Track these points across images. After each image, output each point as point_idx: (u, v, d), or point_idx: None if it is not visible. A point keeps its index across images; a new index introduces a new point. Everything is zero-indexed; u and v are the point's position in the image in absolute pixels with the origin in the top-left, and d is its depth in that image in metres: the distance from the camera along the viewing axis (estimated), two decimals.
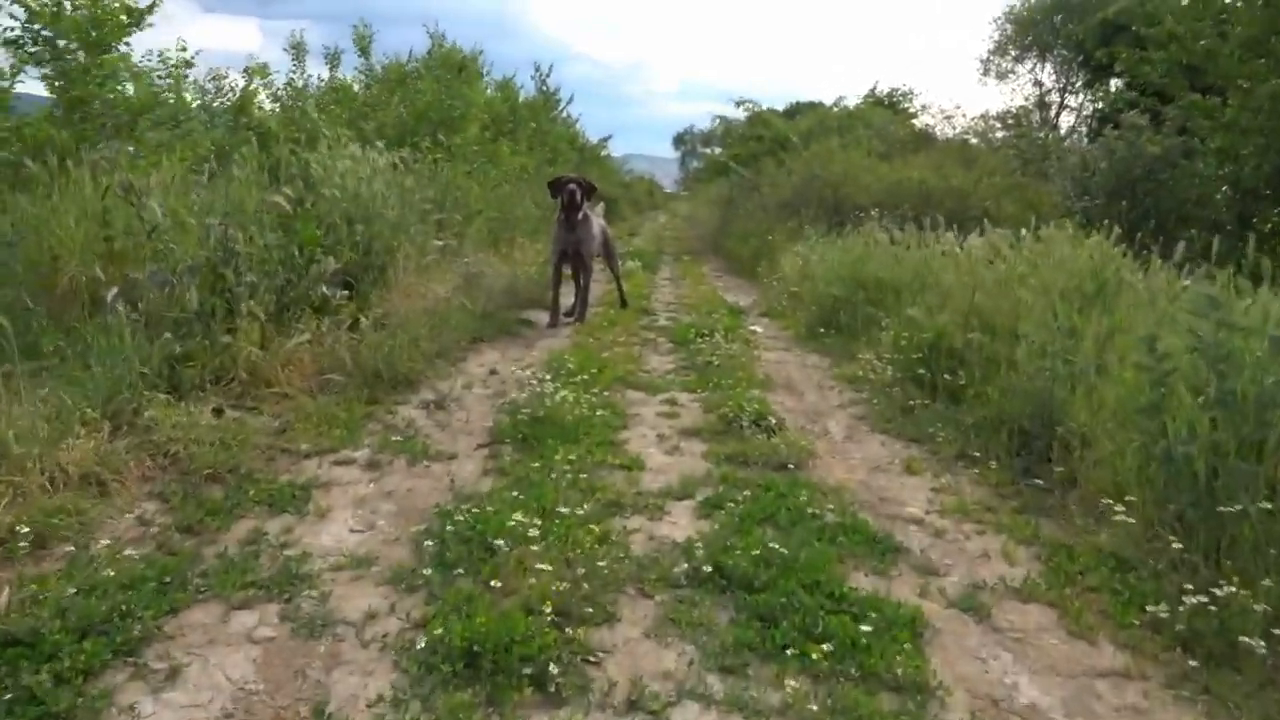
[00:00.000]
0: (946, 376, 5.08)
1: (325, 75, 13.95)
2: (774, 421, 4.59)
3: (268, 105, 13.06)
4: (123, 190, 4.81)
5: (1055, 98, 34.74)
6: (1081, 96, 34.12)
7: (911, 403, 5.06)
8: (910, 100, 26.22)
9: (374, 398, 4.64)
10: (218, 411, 3.98)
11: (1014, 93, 40.49)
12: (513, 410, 4.47)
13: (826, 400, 5.62)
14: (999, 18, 34.99)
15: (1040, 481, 3.97)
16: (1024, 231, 6.27)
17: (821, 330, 7.54)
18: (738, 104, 19.22)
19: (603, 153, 28.77)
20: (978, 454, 4.31)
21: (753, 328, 8.15)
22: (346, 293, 5.71)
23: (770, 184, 15.30)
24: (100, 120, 7.84)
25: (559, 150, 19.03)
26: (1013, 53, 34.81)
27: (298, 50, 13.37)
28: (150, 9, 8.32)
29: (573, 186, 7.79)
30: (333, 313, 5.34)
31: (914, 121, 25.17)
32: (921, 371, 5.27)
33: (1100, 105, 32.45)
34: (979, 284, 5.65)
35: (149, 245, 4.76)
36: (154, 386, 3.75)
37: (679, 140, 61.08)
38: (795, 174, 14.53)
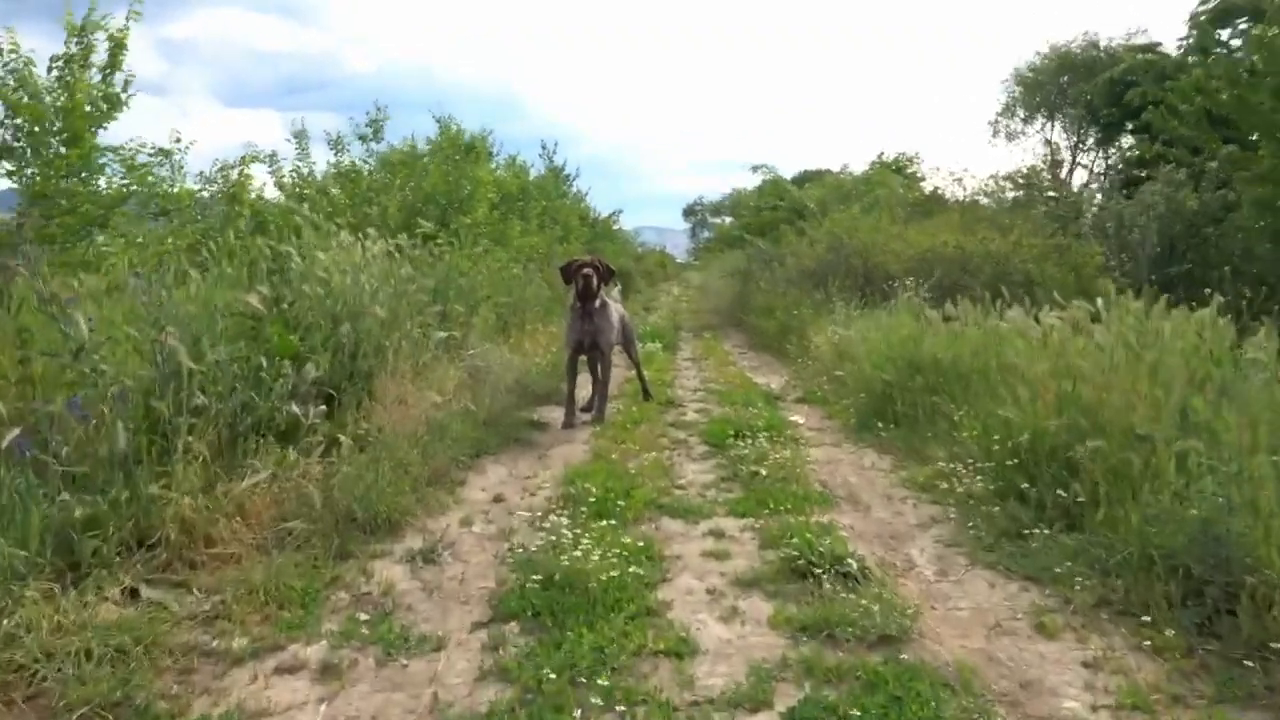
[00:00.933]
0: (1060, 493, 4.02)
1: (332, 160, 13.39)
2: (855, 565, 3.53)
3: (271, 194, 12.47)
4: (41, 301, 3.91)
5: (1066, 156, 34.29)
6: (1094, 154, 33.67)
7: (1020, 529, 4.00)
8: (917, 164, 25.62)
9: (346, 550, 3.62)
10: (132, 593, 2.98)
11: (1025, 153, 39.97)
12: (522, 564, 3.44)
13: (901, 516, 4.57)
14: (1006, 79, 34.73)
15: (1227, 648, 2.91)
16: (1100, 303, 5.32)
17: (876, 422, 6.52)
18: (754, 169, 18.51)
19: (614, 226, 28.23)
20: (1128, 604, 3.26)
21: (794, 418, 7.13)
22: (324, 408, 4.75)
23: (792, 254, 14.45)
24: (61, 215, 7.08)
25: (570, 227, 18.33)
26: (1021, 113, 34.52)
27: (299, 137, 12.82)
28: (125, 97, 7.64)
29: (588, 271, 6.85)
30: (304, 436, 4.37)
31: (922, 185, 24.58)
32: (1024, 485, 4.22)
33: (1113, 163, 31.96)
34: (1075, 371, 4.65)
35: (73, 368, 3.83)
36: (36, 570, 2.76)
37: (689, 211, 61.08)
38: (819, 243, 13.68)
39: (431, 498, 4.38)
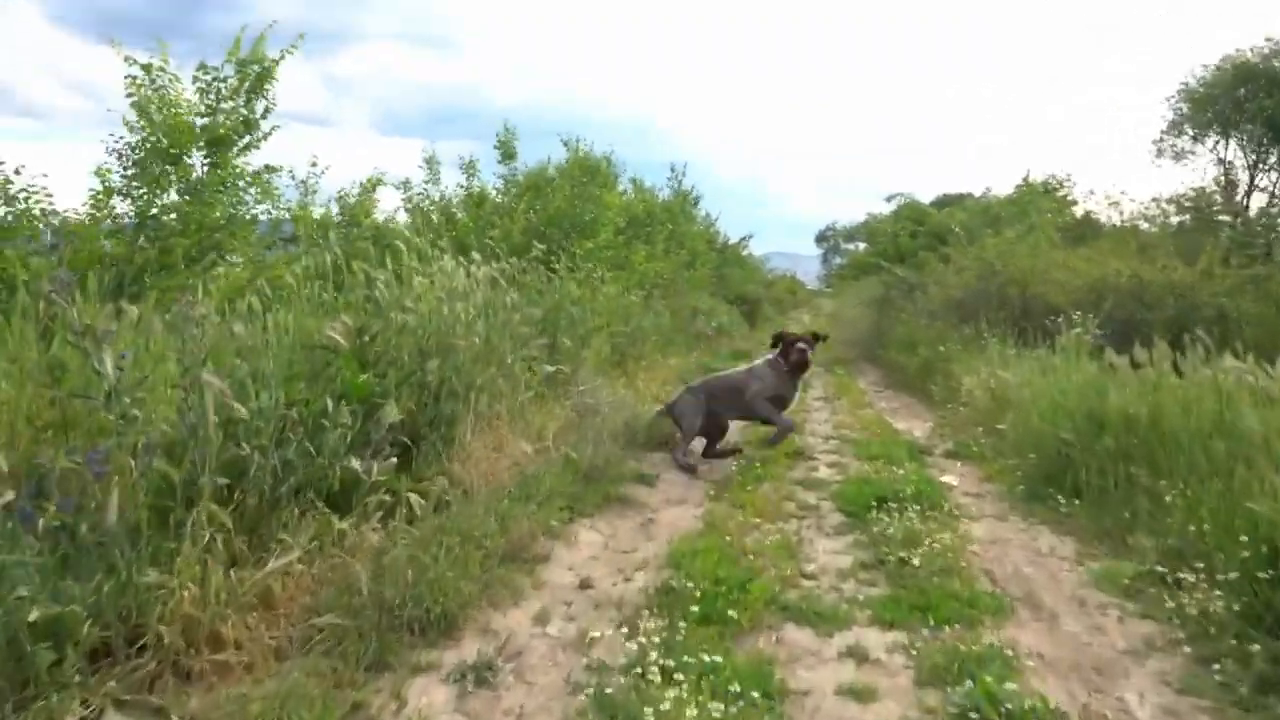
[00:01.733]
0: None
1: (463, 184, 13.13)
2: None
3: (402, 218, 12.30)
4: (75, 335, 3.36)
5: (1243, 176, 30.97)
6: (1276, 174, 30.29)
7: None
8: (1068, 187, 23.41)
9: (383, 658, 2.85)
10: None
11: (1194, 173, 36.40)
12: (596, 704, 2.58)
13: (1103, 635, 3.44)
14: (1174, 95, 31.84)
15: None
16: None
17: (1049, 491, 5.33)
18: (889, 199, 17.14)
19: (743, 251, 27.29)
20: None
21: (946, 479, 6.00)
22: (394, 460, 4.05)
23: (935, 282, 13.12)
24: (171, 237, 6.78)
25: (697, 251, 17.53)
26: (1190, 131, 31.44)
27: (430, 163, 12.64)
28: (262, 123, 7.40)
29: (802, 347, 6.50)
30: (365, 496, 3.67)
31: (1074, 209, 22.39)
32: None
33: None
34: None
35: (103, 412, 3.25)
36: None
37: (821, 237, 59.38)
38: (966, 270, 12.30)
39: (504, 581, 3.57)
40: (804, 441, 7.20)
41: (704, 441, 6.59)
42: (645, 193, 19.12)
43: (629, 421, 6.59)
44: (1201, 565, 3.58)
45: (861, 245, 47.21)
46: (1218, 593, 3.32)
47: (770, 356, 6.67)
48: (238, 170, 7.38)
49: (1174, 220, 24.09)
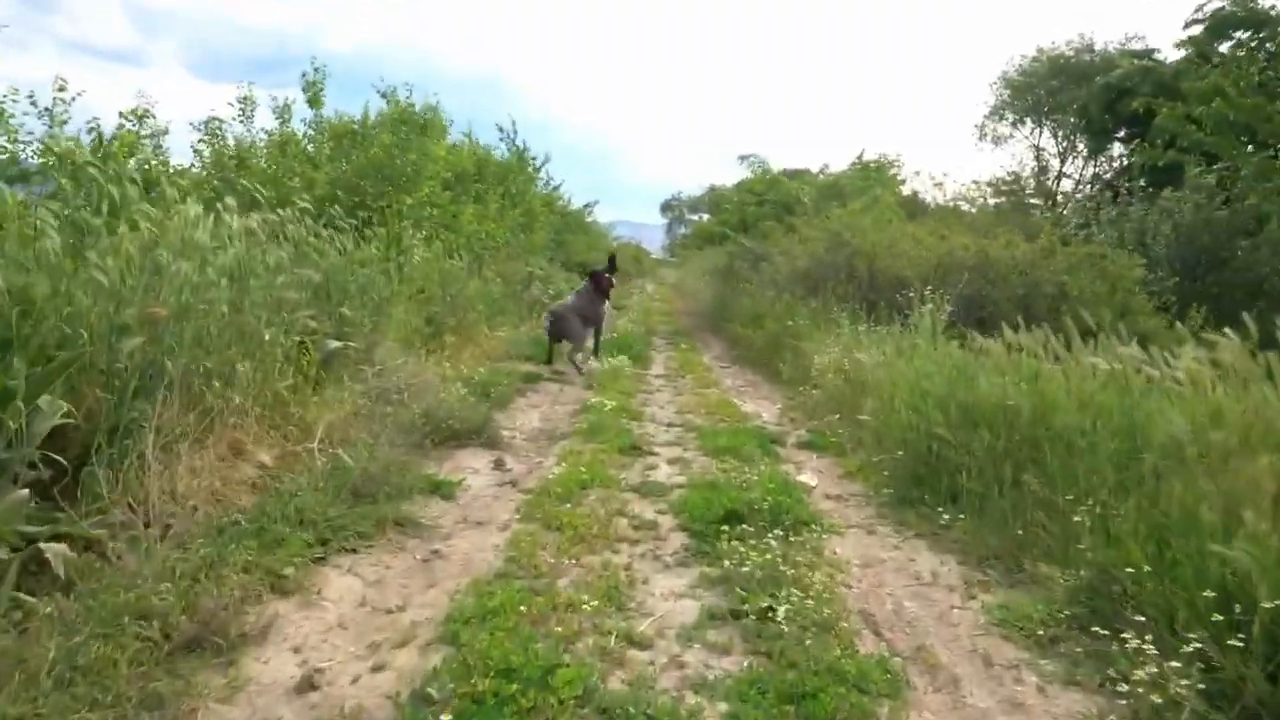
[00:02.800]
0: None
1: (274, 130, 11.17)
2: None
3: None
4: None
5: (1054, 163, 32.63)
6: (1083, 162, 32.02)
7: None
8: (898, 167, 23.65)
9: None
10: None
11: (1012, 159, 38.13)
12: None
13: (1024, 712, 2.56)
14: (995, 81, 33.05)
15: None
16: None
17: (922, 495, 4.52)
18: (742, 159, 16.30)
19: (588, 218, 26.10)
20: None
21: (803, 478, 5.10)
22: (28, 490, 2.63)
23: (781, 253, 12.42)
24: None
25: (535, 213, 16.16)
26: (1010, 117, 32.79)
27: (245, 103, 10.63)
28: None
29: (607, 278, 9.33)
30: None
31: (901, 188, 22.65)
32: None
33: (1101, 171, 30.31)
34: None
35: None
36: None
37: (666, 207, 59.06)
38: (813, 241, 11.63)
39: (173, 693, 2.25)
40: (642, 430, 6.15)
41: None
42: (479, 148, 17.55)
43: (430, 410, 5.30)
44: (1140, 617, 2.75)
45: (705, 216, 47.12)
46: (1174, 664, 2.47)
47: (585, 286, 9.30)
48: None
49: (991, 202, 24.92)
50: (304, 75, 11.25)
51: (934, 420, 4.76)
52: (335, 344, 5.61)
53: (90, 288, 3.51)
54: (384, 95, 12.63)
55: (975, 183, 24.86)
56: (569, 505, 4.13)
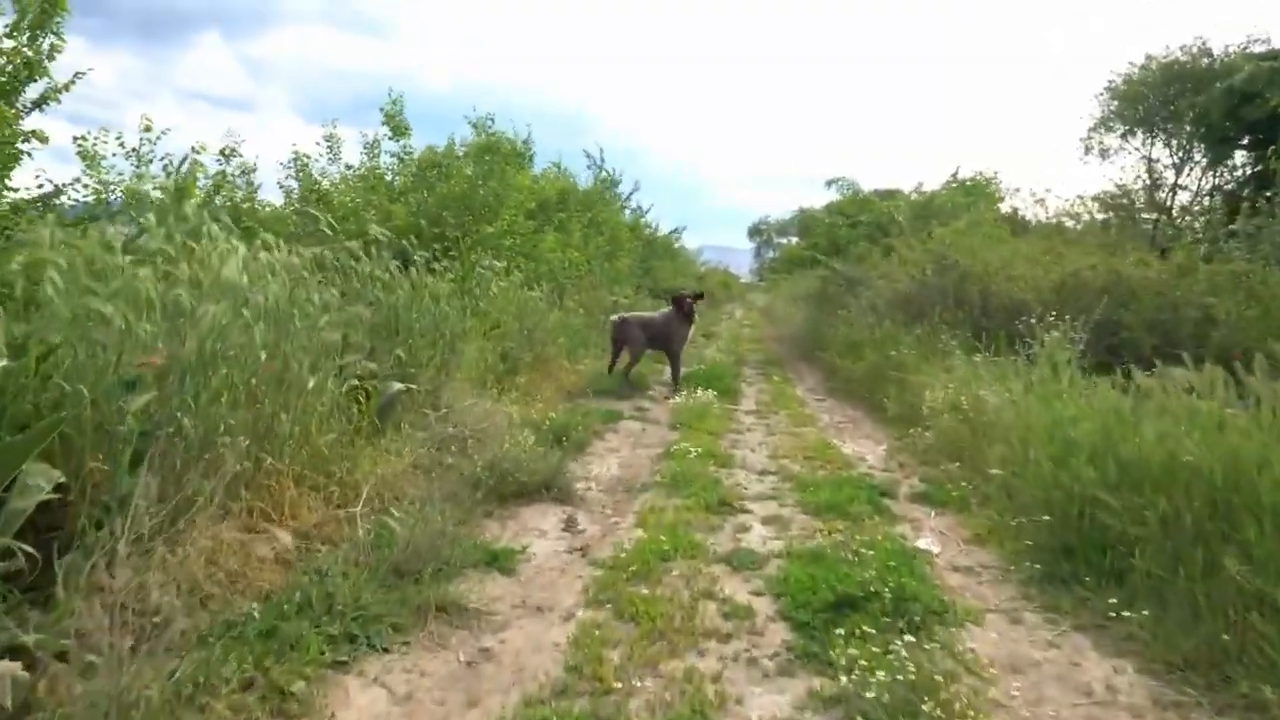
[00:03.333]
0: None
1: (362, 165, 11.07)
2: None
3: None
4: None
5: (1170, 175, 30.44)
6: (1200, 174, 29.74)
7: None
8: (995, 184, 22.23)
9: None
10: None
11: (1125, 171, 35.71)
12: None
13: None
14: (1101, 93, 31.14)
15: None
16: None
17: (1074, 569, 3.68)
18: (829, 183, 15.42)
19: (676, 244, 25.58)
20: None
21: (922, 543, 4.29)
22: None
23: (881, 277, 11.52)
24: None
25: (619, 241, 15.67)
26: (1118, 128, 30.79)
27: (331, 141, 10.56)
28: (51, 55, 5.43)
29: (689, 300, 9.20)
30: None
31: (1000, 206, 21.18)
32: None
33: (1223, 182, 28.07)
34: None
35: None
36: None
37: (754, 231, 58.17)
38: (914, 264, 10.71)
39: None
40: (732, 479, 5.43)
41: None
42: (564, 176, 17.23)
43: (496, 460, 4.71)
44: None
45: (793, 239, 46.05)
46: None
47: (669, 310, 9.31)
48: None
49: (1098, 217, 23.19)
50: (382, 109, 11.06)
51: (1086, 478, 3.90)
52: (398, 386, 5.11)
53: (92, 337, 3.05)
54: (474, 125, 12.41)
55: (1079, 198, 23.22)
56: (646, 586, 3.45)
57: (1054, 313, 7.44)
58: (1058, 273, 8.63)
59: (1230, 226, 15.21)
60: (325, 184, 10.37)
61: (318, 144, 10.39)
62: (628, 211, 20.38)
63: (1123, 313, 8.25)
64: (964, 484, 5.16)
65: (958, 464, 5.51)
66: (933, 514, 4.89)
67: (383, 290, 5.38)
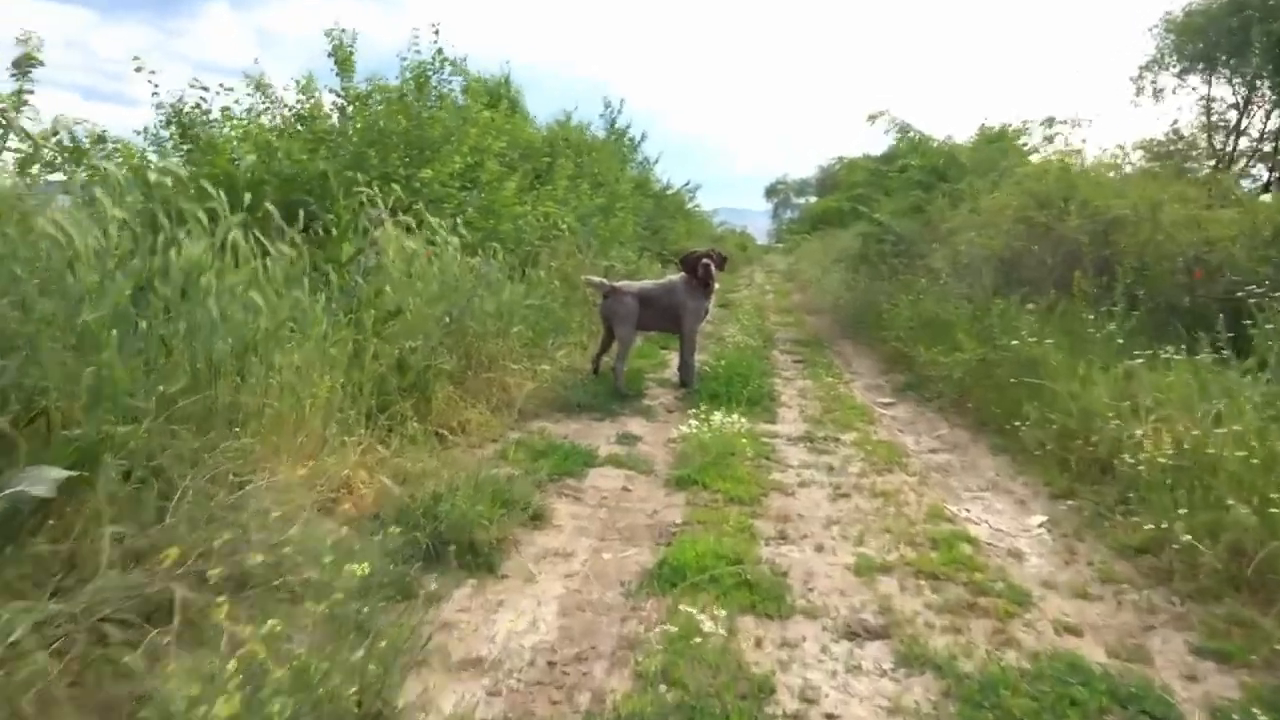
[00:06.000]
0: None
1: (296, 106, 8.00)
2: None
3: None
4: None
5: (1233, 115, 26.54)
6: (1267, 114, 25.83)
7: None
8: (1027, 134, 18.63)
9: None
10: None
11: (1183, 111, 31.35)
12: None
13: None
14: (1155, 26, 27.15)
15: None
16: None
17: None
18: (872, 118, 12.00)
19: (689, 203, 22.37)
20: None
21: None
22: None
23: (953, 233, 8.30)
24: None
25: (619, 194, 12.50)
26: (1174, 66, 26.90)
27: (259, 86, 7.52)
28: None
29: (707, 261, 6.27)
30: None
31: (1032, 159, 17.70)
32: None
33: None
34: None
35: None
36: None
37: (771, 191, 54.47)
38: (1009, 213, 7.51)
39: None
40: (795, 651, 2.44)
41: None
42: (569, 126, 14.07)
43: None
44: None
45: (813, 199, 42.32)
46: None
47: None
48: None
49: (1141, 166, 19.74)
50: (327, 33, 7.92)
51: None
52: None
53: None
54: (451, 63, 9.26)
55: (1120, 147, 19.64)
56: None
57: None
58: (1271, 225, 5.45)
59: None
60: (230, 129, 7.29)
61: (248, 93, 7.34)
62: (634, 165, 17.20)
63: None
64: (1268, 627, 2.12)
65: (1220, 570, 2.47)
66: None
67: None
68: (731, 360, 7.25)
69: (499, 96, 12.95)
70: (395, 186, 6.48)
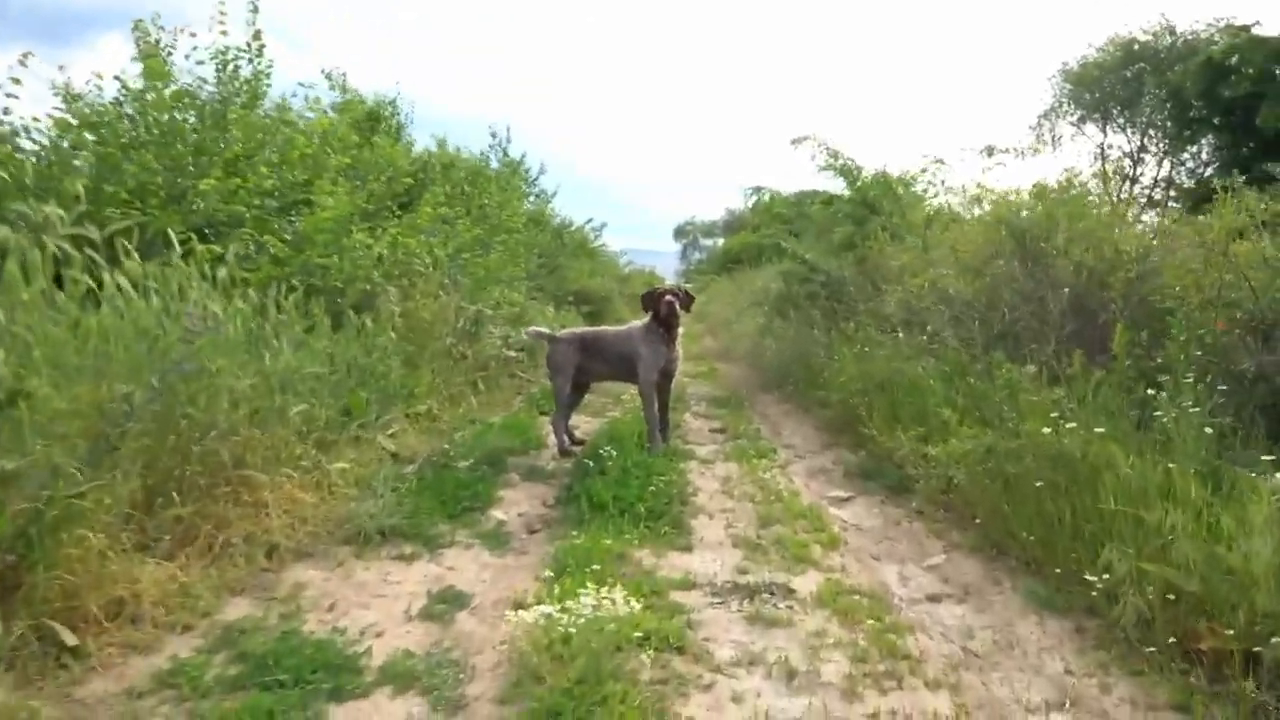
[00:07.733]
0: None
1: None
2: None
3: None
4: None
5: (1128, 165, 26.49)
6: (1157, 164, 25.86)
7: None
8: (920, 178, 17.54)
9: None
10: None
11: (1077, 158, 31.32)
12: None
13: None
14: (1053, 75, 27.10)
15: None
16: None
17: None
18: (752, 191, 10.39)
19: (594, 242, 20.54)
20: None
21: None
22: None
23: (911, 273, 6.59)
24: None
25: (507, 228, 10.45)
26: (1073, 114, 26.85)
27: (67, 91, 5.21)
28: None
29: (670, 299, 5.31)
30: None
31: (929, 204, 16.59)
32: None
33: (1193, 167, 24.19)
34: None
35: None
36: None
37: (680, 232, 53.36)
38: (992, 248, 5.84)
39: None
40: None
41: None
42: (447, 152, 12.01)
43: None
44: None
45: (720, 241, 41.21)
46: None
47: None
48: None
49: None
50: (134, 32, 5.89)
51: None
52: None
53: None
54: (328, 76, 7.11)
55: (1015, 190, 18.92)
56: None
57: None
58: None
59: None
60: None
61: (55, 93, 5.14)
62: (530, 198, 15.22)
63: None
64: None
65: None
66: None
67: None
68: (628, 434, 5.27)
69: (378, 118, 10.89)
70: (153, 203, 4.38)
